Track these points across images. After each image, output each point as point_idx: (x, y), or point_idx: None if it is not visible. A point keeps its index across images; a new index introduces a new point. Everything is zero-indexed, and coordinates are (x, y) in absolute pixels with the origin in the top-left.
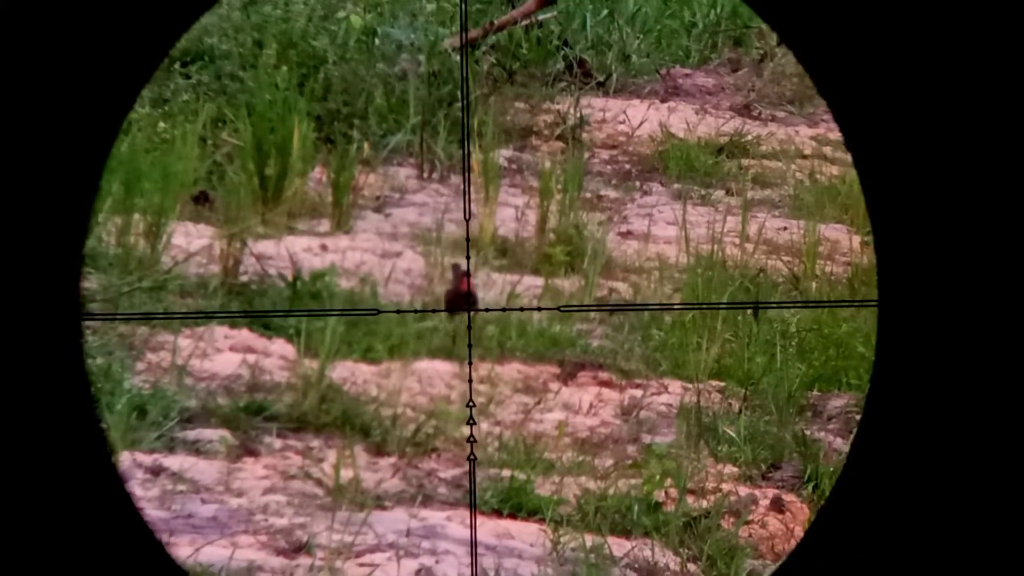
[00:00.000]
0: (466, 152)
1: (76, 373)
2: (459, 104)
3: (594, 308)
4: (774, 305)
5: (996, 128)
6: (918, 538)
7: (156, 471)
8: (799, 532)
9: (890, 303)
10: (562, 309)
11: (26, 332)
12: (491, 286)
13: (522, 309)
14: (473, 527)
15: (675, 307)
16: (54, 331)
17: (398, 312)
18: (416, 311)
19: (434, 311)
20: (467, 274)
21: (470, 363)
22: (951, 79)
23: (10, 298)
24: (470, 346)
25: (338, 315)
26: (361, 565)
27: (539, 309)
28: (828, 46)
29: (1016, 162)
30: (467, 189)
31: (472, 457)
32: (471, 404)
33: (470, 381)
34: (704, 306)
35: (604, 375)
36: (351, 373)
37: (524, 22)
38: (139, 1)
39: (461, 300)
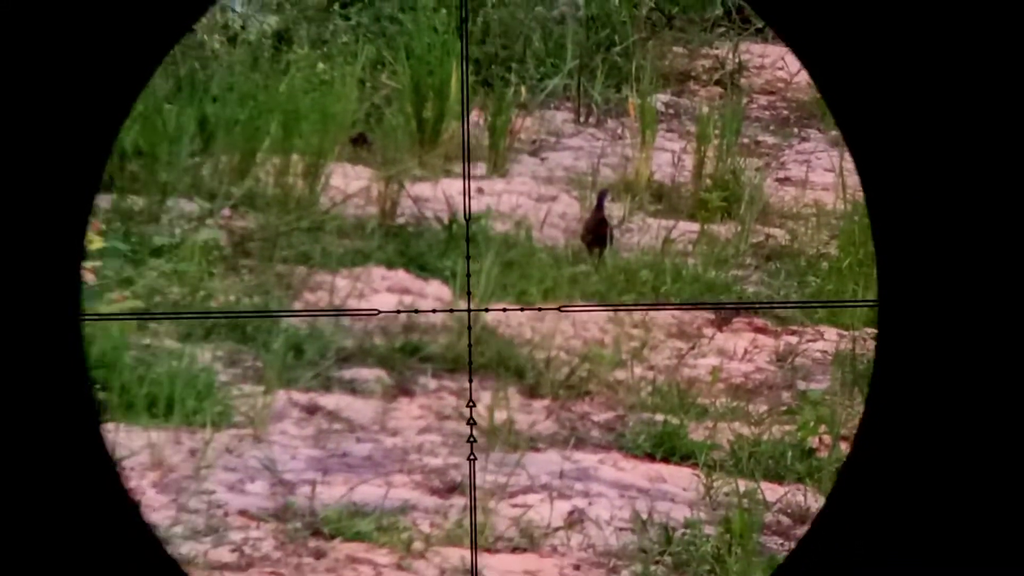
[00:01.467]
0: (466, 156)
1: (76, 373)
2: (618, 48)
3: (595, 308)
4: (758, 305)
5: (996, 129)
6: (919, 536)
7: (312, 410)
8: None
9: (890, 303)
10: (562, 309)
11: (26, 332)
12: (646, 230)
13: (522, 309)
14: (473, 538)
15: (669, 307)
16: (54, 331)
17: (397, 312)
18: (415, 311)
19: (434, 311)
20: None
21: (470, 362)
22: (951, 80)
23: (10, 298)
24: (470, 346)
25: (336, 315)
26: (514, 506)
27: (539, 309)
28: (828, 47)
29: (1016, 162)
30: (467, 189)
31: (472, 457)
32: (471, 404)
33: (470, 381)
34: (700, 306)
35: (759, 321)
36: (505, 316)
37: None
38: (135, 7)
39: (597, 229)
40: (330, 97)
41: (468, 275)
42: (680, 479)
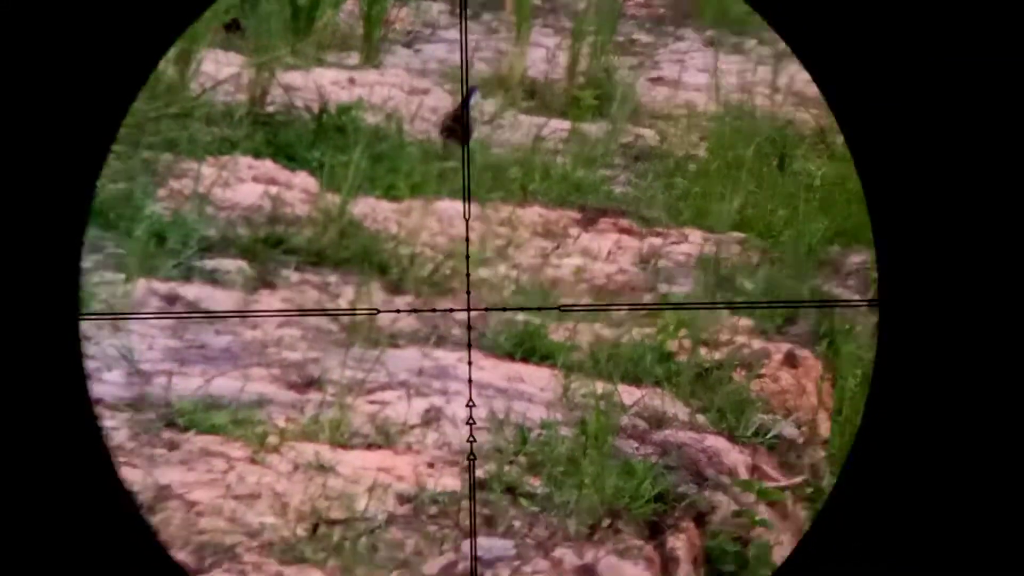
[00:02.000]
0: (466, 174)
1: (75, 372)
2: None
3: (592, 308)
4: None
5: (996, 129)
6: (918, 536)
7: (172, 299)
8: (811, 388)
9: (890, 303)
10: (562, 309)
11: (24, 331)
12: (517, 127)
13: (522, 309)
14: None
15: (661, 307)
16: (53, 330)
17: (397, 312)
18: (416, 310)
19: (433, 311)
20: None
21: (469, 363)
22: (952, 80)
23: (9, 298)
24: (469, 346)
25: (336, 313)
26: (371, 403)
27: (539, 309)
28: (829, 46)
29: (1016, 162)
30: (467, 190)
31: (472, 457)
32: (471, 404)
33: (469, 381)
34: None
35: (625, 222)
36: (372, 210)
37: None
38: (135, 3)
39: (455, 123)
40: None
41: (467, 274)
42: (539, 379)
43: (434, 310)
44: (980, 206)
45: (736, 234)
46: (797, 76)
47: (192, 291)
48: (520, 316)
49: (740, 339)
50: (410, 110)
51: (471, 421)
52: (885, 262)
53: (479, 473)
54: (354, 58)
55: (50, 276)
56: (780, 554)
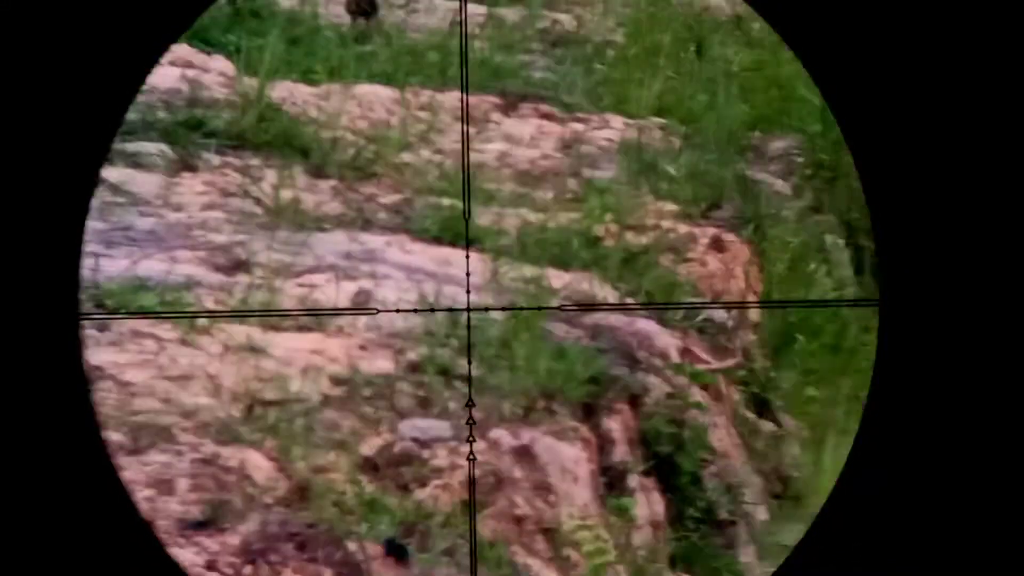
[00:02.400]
0: (466, 169)
1: (75, 373)
2: None
3: (591, 308)
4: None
5: (996, 128)
6: (918, 537)
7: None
8: (739, 272)
9: (890, 303)
10: (563, 309)
11: (25, 332)
12: (433, 11)
13: (521, 309)
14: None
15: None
16: (53, 331)
17: (397, 311)
18: (414, 310)
19: (432, 310)
20: None
21: (469, 362)
22: (951, 79)
23: (8, 298)
24: (469, 346)
25: (336, 314)
26: (300, 285)
27: (539, 309)
28: (828, 45)
29: (1016, 162)
30: (467, 194)
31: (472, 458)
32: (470, 402)
33: (469, 384)
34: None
35: (546, 108)
36: (290, 93)
37: None
38: (134, 7)
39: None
40: None
41: (468, 274)
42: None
43: (433, 310)
44: (980, 206)
45: (657, 119)
46: None
47: (115, 174)
48: (446, 201)
49: (666, 223)
50: None
51: (471, 421)
52: (885, 262)
53: (410, 356)
54: None
55: (49, 277)
56: (716, 437)
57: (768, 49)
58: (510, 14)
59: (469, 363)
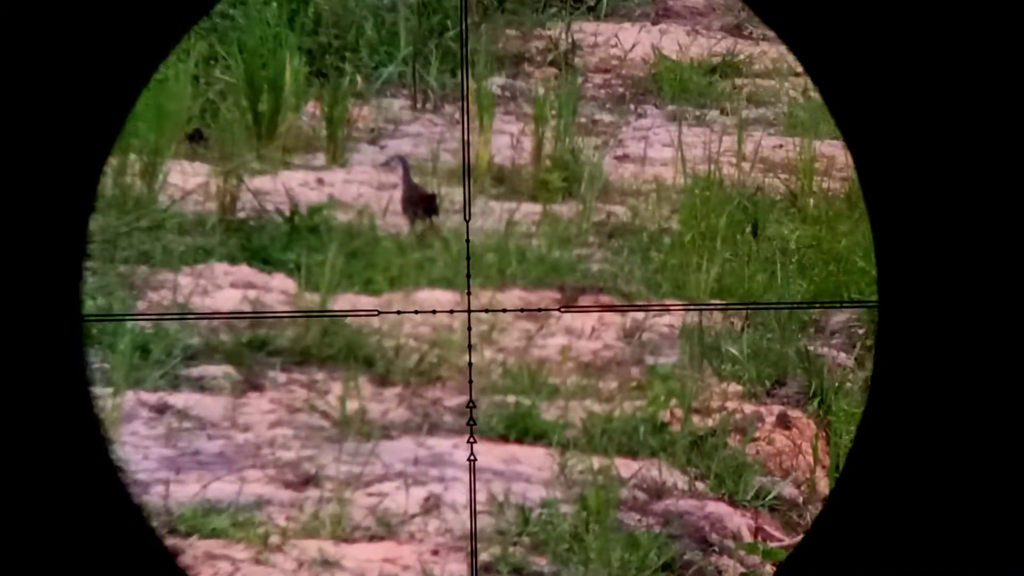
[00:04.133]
0: (466, 165)
1: (76, 373)
2: (450, 33)
3: (593, 309)
4: (770, 306)
5: (996, 129)
6: (918, 537)
7: (161, 409)
8: (806, 448)
9: (890, 303)
10: (562, 310)
11: (27, 333)
12: (488, 214)
13: (522, 310)
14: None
15: (669, 307)
16: (54, 332)
17: (398, 312)
18: (417, 311)
19: (434, 312)
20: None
21: (470, 364)
22: (951, 80)
23: (11, 299)
24: (470, 346)
25: (341, 316)
26: (370, 495)
27: (539, 310)
28: (827, 46)
29: (1016, 162)
30: (467, 193)
31: (472, 458)
32: (471, 405)
33: (470, 381)
34: (703, 306)
35: (605, 299)
36: (352, 305)
37: None
38: (136, 4)
39: (415, 198)
40: (164, 95)
41: (468, 275)
42: (534, 459)
43: (435, 311)
44: (979, 207)
45: (717, 302)
46: (763, 142)
47: (181, 399)
48: (510, 398)
49: (731, 404)
50: (381, 205)
51: (471, 422)
52: (885, 262)
53: (483, 557)
54: (320, 159)
55: (52, 277)
56: None
57: (825, 224)
58: (565, 210)
59: (470, 365)
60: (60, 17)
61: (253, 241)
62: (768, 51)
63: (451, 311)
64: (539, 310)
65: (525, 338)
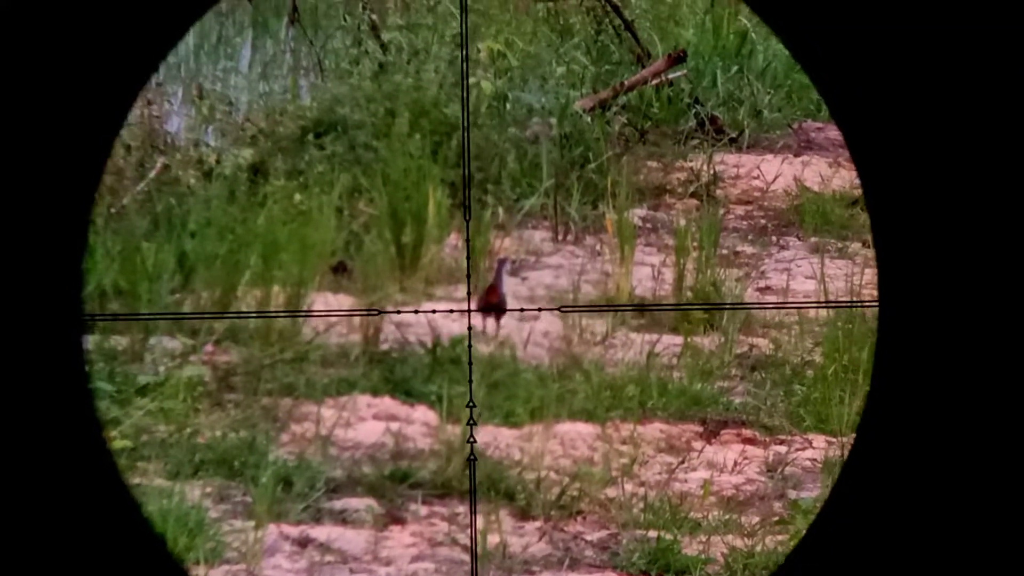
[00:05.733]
0: (466, 163)
1: (77, 374)
2: (592, 165)
3: (595, 308)
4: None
5: (996, 131)
6: (918, 537)
7: (303, 542)
8: None
9: (890, 303)
10: (562, 309)
11: (28, 334)
12: (630, 346)
13: (522, 310)
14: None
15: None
16: (56, 333)
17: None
18: (417, 311)
19: (434, 311)
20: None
21: (470, 363)
22: (951, 83)
23: (12, 300)
24: (470, 346)
25: (346, 315)
26: None
27: (539, 310)
28: (829, 50)
29: (1016, 164)
30: (467, 192)
31: (472, 458)
32: (471, 404)
33: (470, 381)
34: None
35: (747, 432)
36: (493, 437)
37: (655, 81)
38: (135, 7)
39: (488, 296)
40: (308, 227)
41: (468, 284)
42: None
43: (435, 311)
44: (979, 207)
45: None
46: None
47: (323, 532)
48: (652, 533)
49: None
50: (522, 336)
51: (472, 421)
52: (885, 262)
53: None
54: (462, 290)
55: (53, 279)
56: None
57: None
58: (706, 342)
59: (470, 365)
60: (60, 19)
61: (396, 373)
62: None
63: (451, 311)
64: (539, 309)
65: (666, 471)
